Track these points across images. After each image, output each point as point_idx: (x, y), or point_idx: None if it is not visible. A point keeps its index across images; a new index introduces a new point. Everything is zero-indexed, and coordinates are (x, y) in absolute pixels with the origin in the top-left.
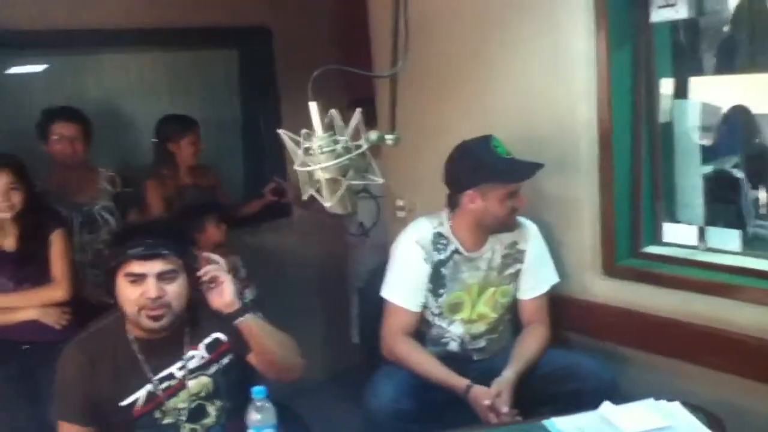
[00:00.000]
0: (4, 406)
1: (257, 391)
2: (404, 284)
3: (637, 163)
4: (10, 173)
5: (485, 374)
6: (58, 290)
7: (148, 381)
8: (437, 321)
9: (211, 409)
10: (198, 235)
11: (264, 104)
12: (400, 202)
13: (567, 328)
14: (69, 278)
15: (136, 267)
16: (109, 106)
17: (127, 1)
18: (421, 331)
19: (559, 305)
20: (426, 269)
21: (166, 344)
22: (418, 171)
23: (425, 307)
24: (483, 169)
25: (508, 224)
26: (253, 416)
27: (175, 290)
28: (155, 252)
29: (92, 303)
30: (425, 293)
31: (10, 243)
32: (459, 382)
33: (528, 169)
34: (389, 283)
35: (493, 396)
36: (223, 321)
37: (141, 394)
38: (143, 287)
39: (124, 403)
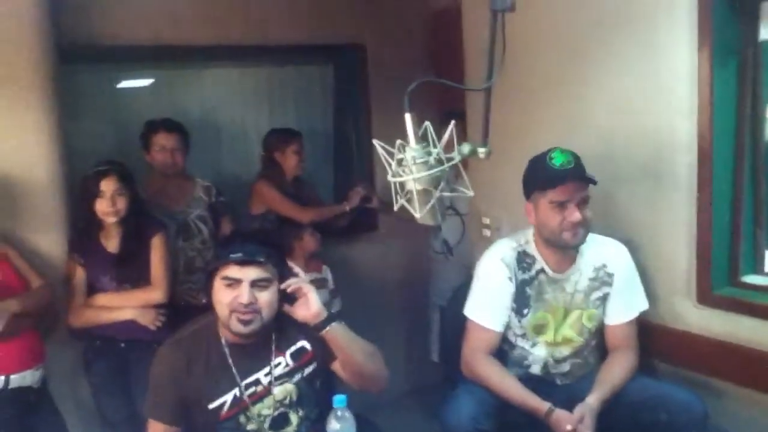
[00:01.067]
0: (101, 397)
1: (338, 400)
2: (487, 303)
3: (738, 187)
4: (117, 179)
5: (568, 399)
6: (155, 293)
7: (236, 385)
8: (520, 342)
9: (294, 418)
10: (294, 243)
11: (356, 118)
12: (486, 221)
13: (655, 357)
14: (166, 282)
15: (234, 272)
16: (209, 119)
17: (228, 20)
18: (503, 351)
19: (649, 332)
20: (510, 288)
21: (255, 350)
22: (505, 189)
23: (508, 327)
24: (532, 179)
25: (563, 240)
26: (333, 425)
27: (266, 298)
28: (253, 258)
29: (184, 306)
30: (508, 313)
31: (113, 245)
32: (540, 404)
33: (564, 178)
34: (472, 302)
35: (575, 421)
36: (309, 330)
37: (228, 398)
38: (237, 291)
39: (212, 405)
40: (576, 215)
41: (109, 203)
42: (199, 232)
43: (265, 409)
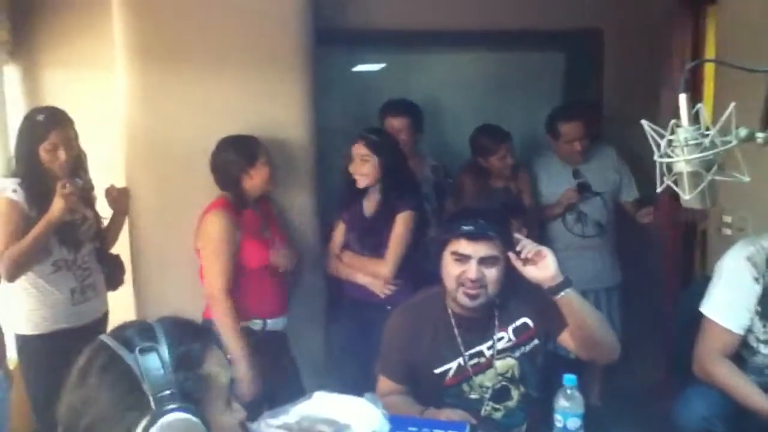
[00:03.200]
0: (335, 350)
1: (568, 378)
2: (729, 302)
3: None
4: (363, 146)
5: None
6: (383, 268)
7: (460, 354)
8: (763, 349)
9: (515, 393)
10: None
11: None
12: (726, 219)
13: None
14: (396, 261)
15: (463, 247)
16: (435, 102)
17: (456, 4)
18: (741, 356)
19: None
20: (756, 290)
21: (479, 323)
22: (755, 186)
23: (749, 331)
24: None
25: None
26: (562, 402)
27: (493, 275)
28: (484, 232)
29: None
30: (751, 315)
31: (369, 210)
32: None
33: None
34: (712, 300)
35: None
36: (532, 307)
37: (452, 366)
38: (466, 267)
39: (437, 370)
40: None
41: (354, 166)
42: None
43: (487, 380)
